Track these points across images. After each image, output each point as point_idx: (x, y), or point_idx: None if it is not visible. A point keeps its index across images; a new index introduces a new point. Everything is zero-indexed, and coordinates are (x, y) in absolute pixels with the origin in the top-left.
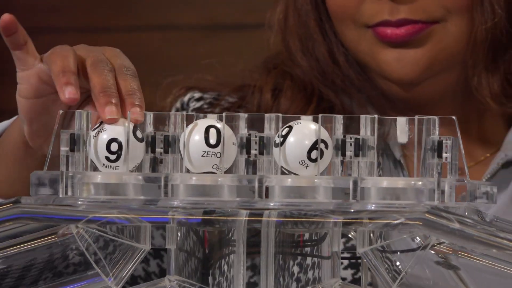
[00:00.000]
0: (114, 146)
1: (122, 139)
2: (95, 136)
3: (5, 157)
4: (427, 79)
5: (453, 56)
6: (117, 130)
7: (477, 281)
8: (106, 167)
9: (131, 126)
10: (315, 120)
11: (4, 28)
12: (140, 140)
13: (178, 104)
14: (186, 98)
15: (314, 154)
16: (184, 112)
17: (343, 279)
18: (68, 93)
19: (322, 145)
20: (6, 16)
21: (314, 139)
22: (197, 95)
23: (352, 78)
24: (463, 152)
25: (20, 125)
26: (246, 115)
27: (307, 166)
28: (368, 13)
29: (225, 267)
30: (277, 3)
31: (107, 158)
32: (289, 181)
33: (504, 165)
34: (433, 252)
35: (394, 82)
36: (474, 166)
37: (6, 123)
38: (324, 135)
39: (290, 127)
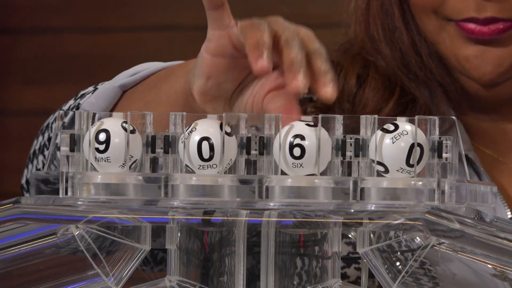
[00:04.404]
0: (102, 136)
1: (110, 129)
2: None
3: (156, 95)
4: (509, 79)
5: None
6: (108, 123)
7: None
8: (98, 160)
9: (121, 121)
10: (315, 119)
11: None
12: (132, 131)
13: None
14: None
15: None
16: (185, 113)
17: None
18: (261, 65)
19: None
20: None
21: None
22: None
23: (434, 72)
24: (463, 152)
25: (186, 77)
26: (246, 115)
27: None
28: (454, 8)
29: (225, 267)
30: None
31: (97, 149)
32: (289, 181)
33: None
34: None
35: (473, 80)
36: None
37: (156, 65)
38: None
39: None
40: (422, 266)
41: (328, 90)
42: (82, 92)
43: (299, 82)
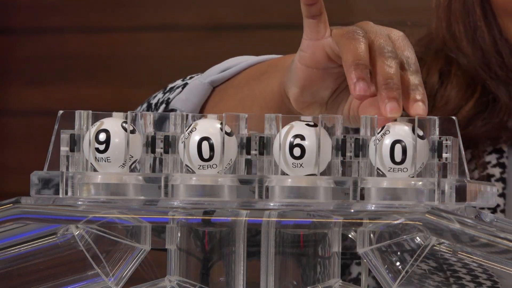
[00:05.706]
0: (102, 136)
1: (110, 129)
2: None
3: (251, 91)
4: None
5: None
6: (108, 123)
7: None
8: (98, 160)
9: (121, 120)
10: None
11: None
12: (132, 131)
13: None
14: None
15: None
16: (185, 112)
17: None
18: (359, 89)
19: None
20: None
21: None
22: None
23: None
24: (463, 152)
25: (281, 79)
26: (246, 115)
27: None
28: None
29: (225, 267)
30: None
31: (97, 149)
32: (289, 181)
33: None
34: None
35: None
36: None
37: (246, 60)
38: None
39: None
40: (490, 279)
41: (417, 107)
42: (170, 86)
43: (391, 109)
